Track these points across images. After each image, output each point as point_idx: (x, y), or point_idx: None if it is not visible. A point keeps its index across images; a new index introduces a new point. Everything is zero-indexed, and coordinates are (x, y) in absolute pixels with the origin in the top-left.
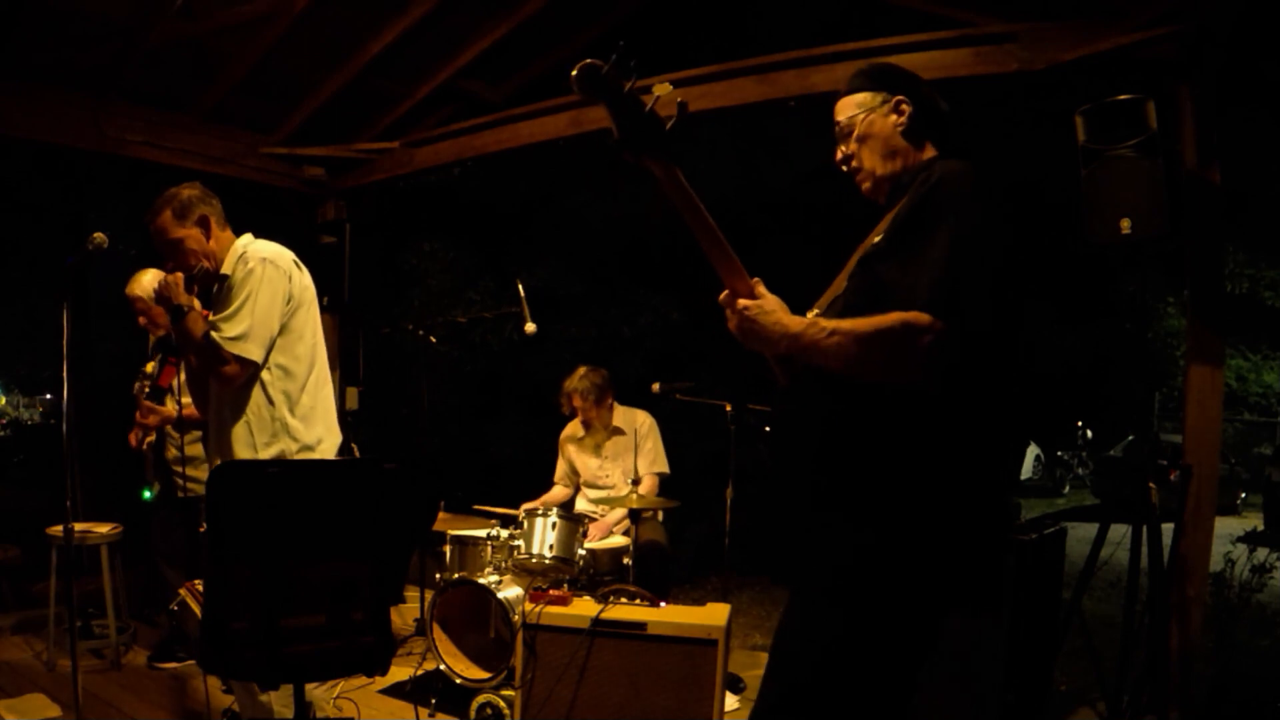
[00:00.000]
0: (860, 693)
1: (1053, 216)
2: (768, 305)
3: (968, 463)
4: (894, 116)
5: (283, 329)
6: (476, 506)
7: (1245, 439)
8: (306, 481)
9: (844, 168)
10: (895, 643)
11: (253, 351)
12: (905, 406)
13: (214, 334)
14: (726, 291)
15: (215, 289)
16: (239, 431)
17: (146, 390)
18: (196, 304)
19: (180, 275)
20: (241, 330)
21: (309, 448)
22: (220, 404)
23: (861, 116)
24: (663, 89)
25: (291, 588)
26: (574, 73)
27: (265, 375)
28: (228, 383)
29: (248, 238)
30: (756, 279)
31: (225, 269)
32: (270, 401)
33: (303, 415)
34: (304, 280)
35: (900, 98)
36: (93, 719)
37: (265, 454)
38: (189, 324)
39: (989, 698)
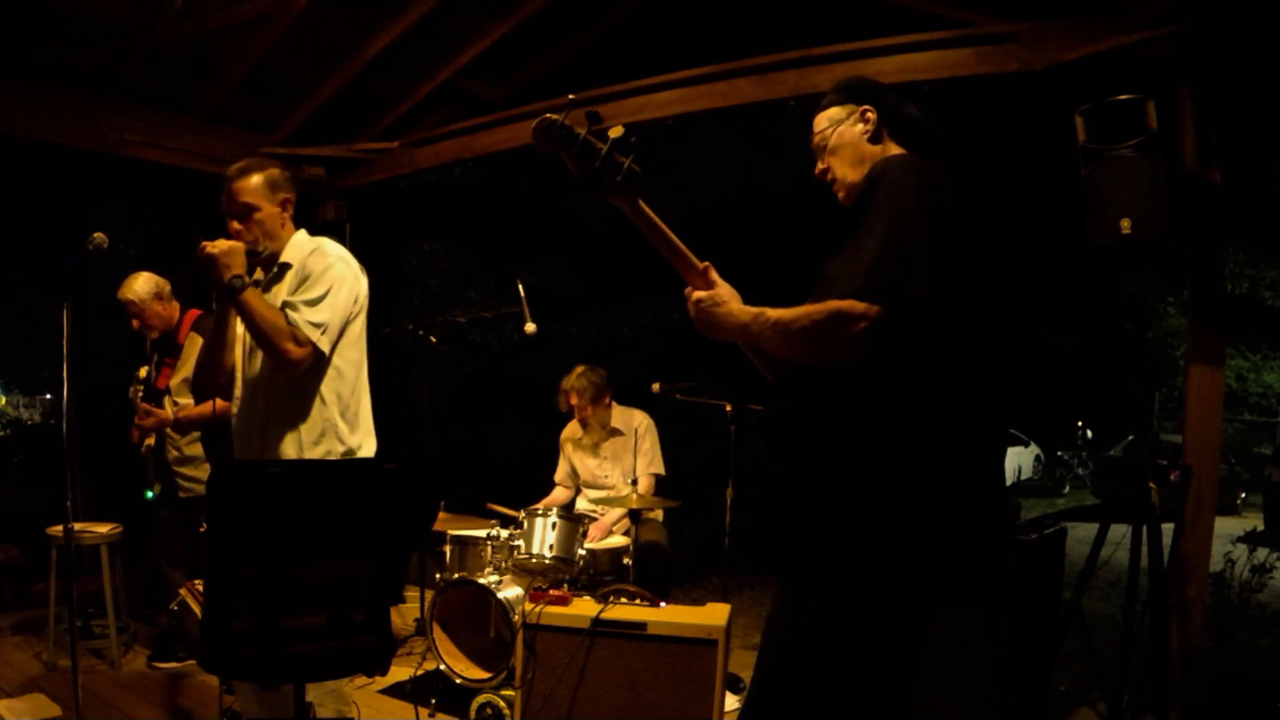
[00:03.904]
0: (849, 670)
1: (1053, 216)
2: (719, 296)
3: (946, 445)
4: (860, 125)
5: (344, 331)
6: (489, 506)
7: (1245, 439)
8: (307, 481)
9: (824, 180)
10: (881, 622)
11: (325, 344)
12: (881, 395)
13: (294, 314)
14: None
15: (271, 273)
16: (287, 427)
17: (141, 394)
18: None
19: (242, 245)
20: (324, 319)
21: (352, 451)
22: (268, 400)
23: (831, 130)
24: (615, 131)
25: (291, 588)
26: (532, 129)
27: (321, 376)
28: (290, 367)
29: (304, 232)
30: (707, 264)
31: (285, 258)
32: (323, 401)
33: (350, 419)
34: (366, 287)
35: (866, 107)
36: (93, 719)
37: (311, 453)
38: (251, 298)
39: (989, 698)
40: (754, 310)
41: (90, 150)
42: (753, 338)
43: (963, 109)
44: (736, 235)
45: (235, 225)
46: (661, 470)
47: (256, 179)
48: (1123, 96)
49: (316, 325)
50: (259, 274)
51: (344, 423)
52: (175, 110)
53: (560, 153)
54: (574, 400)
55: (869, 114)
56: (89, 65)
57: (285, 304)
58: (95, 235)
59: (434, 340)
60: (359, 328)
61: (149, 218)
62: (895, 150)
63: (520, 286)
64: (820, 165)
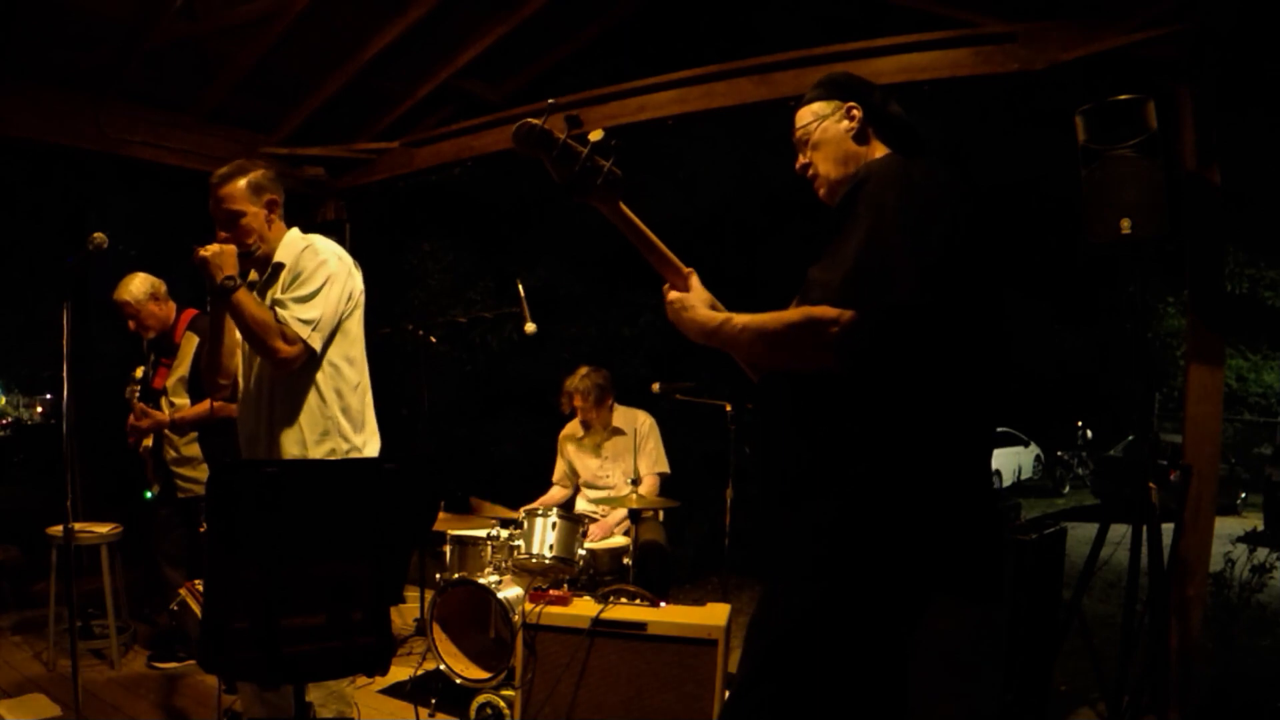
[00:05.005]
0: (833, 667)
1: (1053, 216)
2: (689, 300)
3: (930, 444)
4: (845, 122)
5: (341, 328)
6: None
7: (1245, 439)
8: (307, 482)
9: (805, 175)
10: (864, 620)
11: (316, 341)
12: (863, 396)
13: (283, 312)
14: (666, 284)
15: (266, 274)
16: (290, 427)
17: (138, 394)
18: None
19: (233, 247)
20: (314, 316)
21: (356, 450)
22: (271, 400)
23: (815, 125)
24: (595, 134)
25: (292, 588)
26: (512, 134)
27: (319, 374)
28: (282, 366)
29: (297, 231)
30: (690, 270)
31: (278, 258)
32: (323, 400)
33: (353, 417)
34: (361, 284)
35: (851, 104)
36: (93, 719)
37: (315, 451)
38: (242, 298)
39: (989, 698)
40: (721, 316)
41: (90, 150)
42: (724, 343)
43: (963, 108)
44: (737, 235)
45: (222, 234)
46: (666, 469)
47: (240, 184)
48: (1123, 96)
49: (306, 322)
50: (253, 275)
51: (347, 421)
52: (175, 110)
53: (541, 156)
54: (578, 402)
55: (854, 111)
56: (89, 65)
57: (274, 302)
58: (95, 235)
59: (434, 340)
60: (356, 326)
61: (149, 218)
62: (881, 150)
63: (520, 286)
64: (802, 159)
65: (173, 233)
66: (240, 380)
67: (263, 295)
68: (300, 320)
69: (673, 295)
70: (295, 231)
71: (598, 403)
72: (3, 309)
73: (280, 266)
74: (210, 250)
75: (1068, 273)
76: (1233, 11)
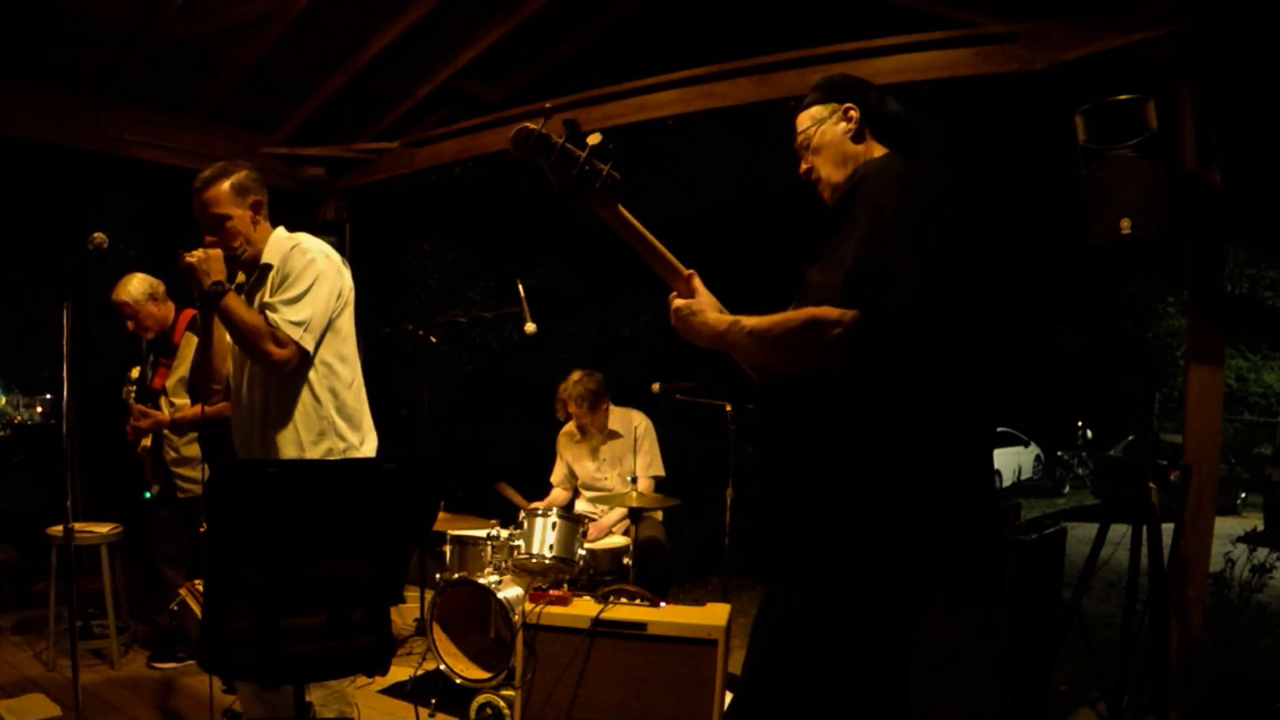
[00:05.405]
0: (836, 665)
1: (1053, 216)
2: (696, 305)
3: (929, 444)
4: (843, 124)
5: (332, 326)
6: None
7: (1245, 439)
8: (307, 482)
9: (809, 179)
10: (864, 620)
11: (308, 341)
12: (863, 396)
13: (273, 315)
14: (673, 293)
15: (254, 276)
16: (285, 429)
17: (133, 394)
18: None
19: (219, 251)
20: (304, 317)
21: (354, 449)
22: (265, 402)
23: (814, 129)
24: (594, 138)
25: (292, 588)
26: (510, 138)
27: (312, 373)
28: (275, 369)
29: (283, 230)
30: (691, 271)
31: (265, 258)
32: (317, 400)
33: (349, 416)
34: (350, 281)
35: (848, 105)
36: (93, 719)
37: (312, 452)
38: (231, 303)
39: (989, 698)
40: (730, 319)
41: (90, 150)
42: (730, 346)
43: (963, 108)
44: (737, 235)
45: (209, 238)
46: (661, 472)
47: (223, 187)
48: (1123, 96)
49: (297, 324)
50: (241, 277)
51: (343, 420)
52: (175, 110)
53: (538, 161)
54: (573, 409)
55: (851, 112)
56: (89, 65)
57: (264, 305)
58: (95, 235)
59: (434, 340)
60: (347, 323)
61: (149, 218)
62: (879, 149)
63: (520, 286)
64: (804, 164)
65: (173, 233)
66: (232, 383)
67: (251, 297)
68: (291, 322)
69: (679, 302)
70: (281, 231)
71: (592, 408)
72: (3, 309)
73: (268, 268)
74: (196, 256)
75: (1068, 273)
76: (1233, 11)
